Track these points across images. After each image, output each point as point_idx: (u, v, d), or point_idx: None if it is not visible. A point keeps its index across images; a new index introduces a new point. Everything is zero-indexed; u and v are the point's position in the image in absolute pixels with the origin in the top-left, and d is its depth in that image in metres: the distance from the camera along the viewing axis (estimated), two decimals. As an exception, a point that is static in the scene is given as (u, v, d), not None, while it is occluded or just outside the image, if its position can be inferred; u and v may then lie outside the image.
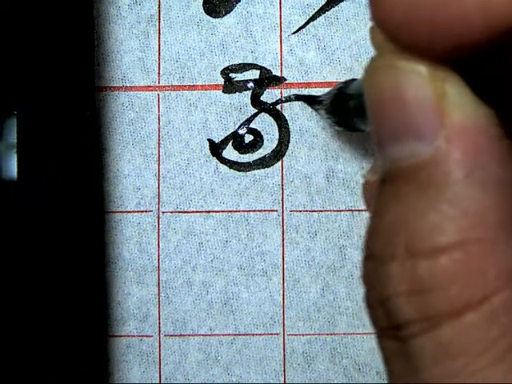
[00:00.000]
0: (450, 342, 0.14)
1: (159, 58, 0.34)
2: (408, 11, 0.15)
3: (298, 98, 0.33)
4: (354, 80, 0.29)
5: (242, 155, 0.34)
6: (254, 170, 0.33)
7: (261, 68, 0.33)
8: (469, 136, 0.15)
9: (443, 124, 0.15)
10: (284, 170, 0.33)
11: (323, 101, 0.31)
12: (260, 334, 0.33)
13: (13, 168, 0.31)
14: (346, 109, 0.28)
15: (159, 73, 0.34)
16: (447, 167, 0.15)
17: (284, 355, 0.33)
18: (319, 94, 0.33)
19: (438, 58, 0.15)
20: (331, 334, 0.33)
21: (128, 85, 0.34)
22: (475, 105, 0.15)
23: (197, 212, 0.33)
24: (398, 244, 0.15)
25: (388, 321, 0.16)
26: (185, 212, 0.33)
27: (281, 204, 0.33)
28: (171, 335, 0.33)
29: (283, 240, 0.33)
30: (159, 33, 0.34)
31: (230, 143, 0.34)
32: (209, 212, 0.33)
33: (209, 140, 0.34)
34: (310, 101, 0.33)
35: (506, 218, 0.15)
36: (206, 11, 0.34)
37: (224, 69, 0.34)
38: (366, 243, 0.16)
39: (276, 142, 0.33)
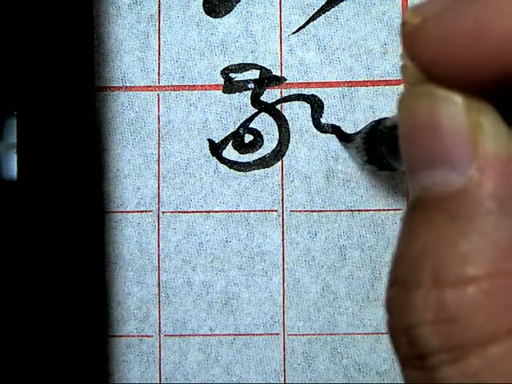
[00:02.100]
0: (476, 373, 0.14)
1: (159, 58, 0.34)
2: (442, 46, 0.15)
3: (334, 131, 0.33)
4: (386, 118, 0.30)
5: (242, 155, 0.34)
6: (253, 170, 0.33)
7: (261, 68, 0.33)
8: (502, 168, 0.15)
9: (477, 154, 0.15)
10: (284, 169, 0.33)
11: (354, 139, 0.31)
12: (260, 334, 0.33)
13: (13, 168, 0.31)
14: (377, 146, 0.28)
15: (159, 73, 0.34)
16: (479, 197, 0.15)
17: (284, 355, 0.33)
18: (350, 132, 0.33)
19: (472, 90, 0.15)
20: (331, 334, 0.33)
21: (128, 85, 0.34)
22: (509, 137, 0.15)
23: (197, 212, 0.33)
24: (424, 271, 0.15)
25: (412, 350, 0.16)
26: (185, 212, 0.33)
27: (281, 204, 0.33)
28: (171, 335, 0.33)
29: (283, 240, 0.33)
30: (159, 33, 0.34)
31: (230, 143, 0.34)
32: (209, 212, 0.33)
33: (209, 140, 0.34)
34: (342, 138, 0.33)
35: None
36: (206, 11, 0.34)
37: (224, 69, 0.34)
38: (392, 269, 0.16)
39: (276, 141, 0.33)
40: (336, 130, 0.33)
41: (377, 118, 0.32)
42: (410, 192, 0.16)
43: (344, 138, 0.32)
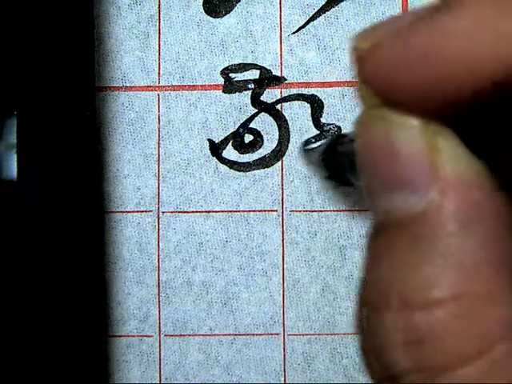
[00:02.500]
0: None
1: (159, 58, 0.34)
2: (393, 70, 0.15)
3: (301, 146, 0.33)
4: (344, 134, 0.30)
5: (242, 155, 0.34)
6: (253, 170, 0.33)
7: (261, 68, 0.33)
8: (462, 189, 0.15)
9: (437, 177, 0.15)
10: (284, 170, 0.33)
11: (314, 154, 0.31)
12: (260, 334, 0.33)
13: (13, 168, 0.31)
14: (337, 162, 0.28)
15: (159, 73, 0.34)
16: (441, 220, 0.15)
17: (284, 355, 0.33)
18: (311, 146, 0.32)
19: (428, 112, 0.15)
20: (331, 334, 0.33)
21: (128, 85, 0.34)
22: (468, 158, 0.15)
23: (197, 212, 0.33)
24: (392, 296, 0.15)
25: (384, 371, 0.15)
26: (185, 212, 0.33)
27: (281, 204, 0.33)
28: (171, 335, 0.33)
29: (283, 240, 0.33)
30: (159, 33, 0.34)
31: (230, 143, 0.34)
32: (209, 212, 0.33)
33: (209, 140, 0.34)
34: (305, 152, 0.32)
35: (501, 271, 0.15)
36: (206, 11, 0.34)
37: (224, 69, 0.34)
38: (360, 292, 0.16)
39: (276, 142, 0.33)
40: (304, 143, 0.33)
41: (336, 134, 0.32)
42: (372, 216, 0.16)
43: (305, 150, 0.32)
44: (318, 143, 0.31)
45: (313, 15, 0.33)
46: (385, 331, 0.15)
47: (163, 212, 0.33)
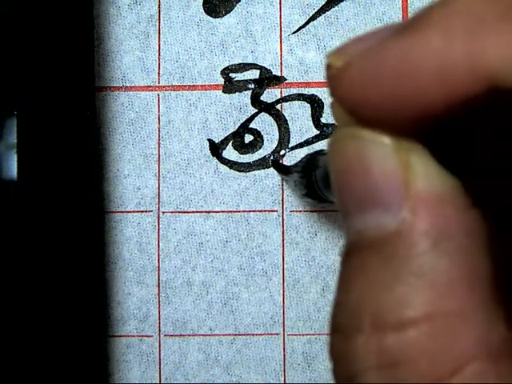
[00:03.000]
0: None
1: (159, 58, 0.34)
2: (366, 87, 0.15)
3: (273, 164, 0.33)
4: (320, 151, 0.30)
5: (242, 155, 0.34)
6: (254, 170, 0.33)
7: (261, 68, 0.33)
8: (434, 206, 0.15)
9: (408, 195, 0.15)
10: (284, 170, 0.33)
11: (292, 171, 0.31)
12: (260, 334, 0.33)
13: (13, 168, 0.31)
14: (313, 180, 0.28)
15: (159, 73, 0.34)
16: (413, 239, 0.15)
17: (284, 355, 0.33)
18: (289, 164, 0.33)
19: (400, 130, 0.15)
20: (331, 334, 0.33)
21: (128, 85, 0.34)
22: (440, 175, 0.15)
23: (197, 212, 0.33)
24: (364, 317, 0.15)
25: None
26: (185, 212, 0.33)
27: (281, 204, 0.33)
28: (171, 335, 0.33)
29: (283, 240, 0.33)
30: (159, 33, 0.34)
31: (230, 143, 0.34)
32: (209, 212, 0.33)
33: (209, 140, 0.34)
34: (279, 170, 0.33)
35: (474, 289, 0.14)
36: (206, 11, 0.34)
37: (224, 69, 0.34)
38: (332, 316, 0.16)
39: (276, 142, 0.33)
40: (274, 163, 0.33)
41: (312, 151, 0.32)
42: (345, 236, 0.16)
43: (281, 170, 0.32)
44: (295, 162, 0.32)
45: (313, 15, 0.33)
46: (357, 355, 0.15)
47: (163, 212, 0.33)
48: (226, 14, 0.34)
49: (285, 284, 0.33)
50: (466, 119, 0.15)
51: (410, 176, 0.15)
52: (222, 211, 0.33)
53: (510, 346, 0.15)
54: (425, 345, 0.14)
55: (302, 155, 0.33)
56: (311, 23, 0.33)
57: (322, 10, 0.33)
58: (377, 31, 0.15)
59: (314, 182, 0.28)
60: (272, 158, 0.33)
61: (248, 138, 0.34)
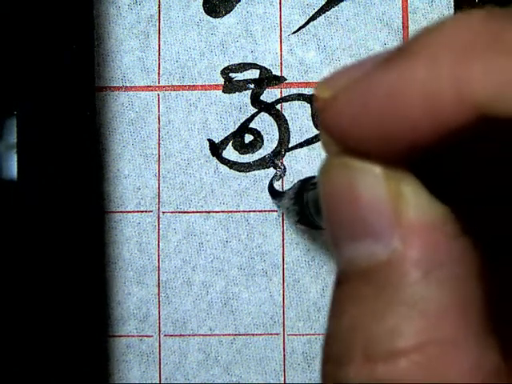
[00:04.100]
0: None
1: (159, 58, 0.34)
2: (353, 119, 0.15)
3: (268, 189, 0.33)
4: (311, 177, 0.30)
5: (242, 155, 0.34)
6: (254, 170, 0.33)
7: (261, 68, 0.33)
8: (425, 235, 0.15)
9: (399, 224, 0.15)
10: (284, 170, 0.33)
11: (283, 196, 0.31)
12: (260, 334, 0.33)
13: (13, 168, 0.31)
14: (304, 207, 0.28)
15: (159, 73, 0.34)
16: (404, 268, 0.15)
17: (284, 355, 0.33)
18: (281, 191, 0.33)
19: (389, 158, 0.15)
20: (331, 334, 0.33)
21: (128, 85, 0.34)
22: (431, 203, 0.15)
23: (197, 212, 0.33)
24: (355, 348, 0.15)
25: None
26: (185, 212, 0.33)
27: (281, 204, 0.33)
28: (171, 335, 0.33)
29: (283, 240, 0.33)
30: (159, 33, 0.34)
31: (230, 143, 0.34)
32: (209, 212, 0.33)
33: (209, 140, 0.34)
34: (272, 195, 0.33)
35: (465, 317, 0.14)
36: (206, 11, 0.34)
37: (224, 69, 0.34)
38: (324, 346, 0.16)
39: (276, 142, 0.33)
40: (269, 188, 0.33)
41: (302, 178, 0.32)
42: (336, 264, 0.16)
43: (274, 194, 0.32)
44: (287, 188, 0.32)
45: (313, 15, 0.33)
46: None
47: (163, 212, 0.33)
48: (225, 14, 0.34)
49: (285, 284, 0.33)
50: (456, 147, 0.15)
51: (400, 205, 0.15)
52: (222, 211, 0.33)
53: (502, 374, 0.15)
54: (416, 374, 0.14)
55: (302, 155, 0.33)
56: (311, 23, 0.33)
57: (322, 9, 0.33)
58: (363, 62, 0.15)
59: (306, 208, 0.28)
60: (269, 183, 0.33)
61: (248, 137, 0.34)
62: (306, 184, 0.29)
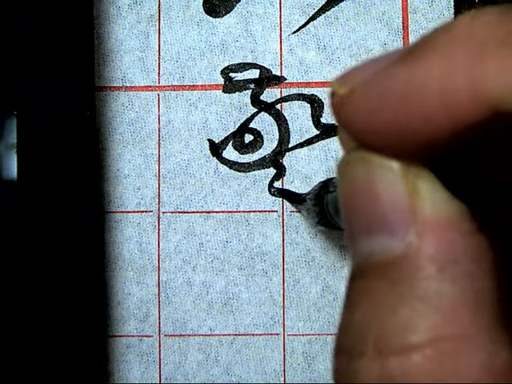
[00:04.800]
0: None
1: (159, 58, 0.34)
2: (370, 114, 0.15)
3: (283, 194, 0.33)
4: (332, 179, 0.30)
5: (243, 155, 0.34)
6: (254, 170, 0.33)
7: (261, 67, 0.33)
8: (441, 231, 0.15)
9: (415, 219, 0.15)
10: (284, 170, 0.33)
11: (305, 200, 0.31)
12: (260, 334, 0.33)
13: (13, 168, 0.31)
14: (324, 208, 0.28)
15: (159, 73, 0.34)
16: (419, 263, 0.15)
17: (284, 355, 0.33)
18: (302, 192, 0.33)
19: (406, 154, 0.15)
20: (331, 334, 0.33)
21: (128, 85, 0.34)
22: (447, 200, 0.15)
23: (197, 212, 0.33)
24: (367, 341, 0.15)
25: None
26: (185, 212, 0.33)
27: (281, 204, 0.33)
28: (171, 335, 0.33)
29: (283, 240, 0.33)
30: (159, 33, 0.34)
31: (230, 143, 0.34)
32: (209, 212, 0.33)
33: (209, 140, 0.34)
34: (294, 199, 0.33)
35: (478, 313, 0.15)
36: (206, 11, 0.34)
37: (224, 69, 0.34)
38: (336, 339, 0.16)
39: (276, 142, 0.33)
40: (285, 194, 0.33)
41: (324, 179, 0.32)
42: (351, 260, 0.16)
43: (294, 200, 0.32)
44: (308, 191, 0.32)
45: (313, 15, 0.33)
46: (360, 379, 0.15)
47: (163, 212, 0.33)
48: (225, 14, 0.34)
49: (285, 284, 0.33)
50: (472, 144, 0.15)
51: (416, 201, 0.15)
52: (222, 211, 0.33)
53: None
54: (428, 369, 0.14)
55: (302, 155, 0.33)
56: (311, 23, 0.33)
57: (322, 10, 0.33)
58: (379, 58, 0.16)
59: (326, 208, 0.28)
60: (277, 188, 0.33)
61: (248, 137, 0.34)
62: (326, 185, 0.29)
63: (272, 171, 0.33)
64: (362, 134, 0.15)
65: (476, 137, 0.14)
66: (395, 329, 0.15)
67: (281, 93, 0.33)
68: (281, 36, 0.33)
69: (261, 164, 0.33)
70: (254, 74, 0.34)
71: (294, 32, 0.33)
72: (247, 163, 0.33)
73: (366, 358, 0.15)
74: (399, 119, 0.15)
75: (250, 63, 0.34)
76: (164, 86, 0.34)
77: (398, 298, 0.15)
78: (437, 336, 0.14)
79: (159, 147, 0.33)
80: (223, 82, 0.34)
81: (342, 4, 0.33)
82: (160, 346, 0.33)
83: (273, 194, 0.33)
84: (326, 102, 0.33)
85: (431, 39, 0.14)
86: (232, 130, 0.33)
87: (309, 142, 0.33)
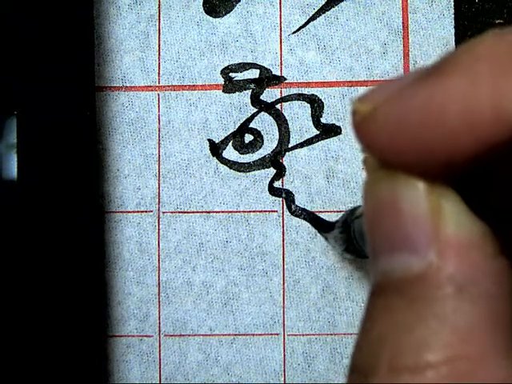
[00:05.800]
0: None
1: (159, 58, 0.34)
2: (393, 132, 0.15)
3: (312, 220, 0.33)
4: (359, 206, 0.30)
5: (243, 155, 0.34)
6: (254, 170, 0.33)
7: (261, 67, 0.33)
8: (462, 252, 0.15)
9: (437, 239, 0.15)
10: (284, 170, 0.33)
11: (334, 228, 0.31)
12: (260, 334, 0.33)
13: (13, 168, 0.31)
14: (351, 233, 0.28)
15: (159, 73, 0.34)
16: (438, 282, 0.15)
17: (284, 355, 0.33)
18: (330, 220, 0.32)
19: (429, 173, 0.15)
20: (331, 334, 0.33)
21: (128, 85, 0.34)
22: (471, 221, 0.15)
23: (197, 212, 0.33)
24: (381, 359, 0.15)
25: None
26: (185, 212, 0.33)
27: (281, 204, 0.33)
28: (171, 335, 0.33)
29: (283, 240, 0.33)
30: (159, 33, 0.34)
31: (230, 143, 0.34)
32: (209, 212, 0.33)
33: (209, 140, 0.34)
34: (321, 229, 0.32)
35: (496, 334, 0.15)
36: (206, 11, 0.34)
37: (224, 68, 0.34)
38: (352, 356, 0.16)
39: (276, 142, 0.33)
40: (313, 220, 0.33)
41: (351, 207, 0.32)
42: (372, 277, 0.16)
43: (323, 228, 0.32)
44: (337, 218, 0.31)
45: (313, 15, 0.33)
46: None
47: (163, 212, 0.33)
48: (225, 14, 0.34)
49: (285, 284, 0.33)
50: (494, 163, 0.15)
51: (440, 220, 0.15)
52: (222, 211, 0.33)
53: None
54: None
55: (302, 155, 0.33)
56: (311, 23, 0.33)
57: (322, 10, 0.33)
58: (402, 77, 0.16)
59: (352, 235, 0.28)
60: (306, 211, 0.33)
61: (248, 137, 0.34)
62: (354, 212, 0.29)
63: (272, 171, 0.33)
64: (384, 153, 0.15)
65: (499, 156, 0.14)
66: (411, 346, 0.15)
67: (281, 93, 0.33)
68: (281, 36, 0.33)
69: (261, 164, 0.33)
70: (254, 73, 0.34)
71: (294, 32, 0.33)
72: (247, 163, 0.33)
73: (379, 376, 0.15)
74: (422, 137, 0.15)
75: (249, 63, 0.34)
76: (164, 86, 0.34)
77: (415, 316, 0.15)
78: (453, 355, 0.14)
79: (159, 147, 0.33)
80: (223, 82, 0.34)
81: (342, 4, 0.33)
82: (160, 346, 0.33)
83: (296, 215, 0.33)
84: (326, 102, 0.33)
85: (454, 57, 0.14)
86: (232, 130, 0.33)
87: (309, 141, 0.33)
